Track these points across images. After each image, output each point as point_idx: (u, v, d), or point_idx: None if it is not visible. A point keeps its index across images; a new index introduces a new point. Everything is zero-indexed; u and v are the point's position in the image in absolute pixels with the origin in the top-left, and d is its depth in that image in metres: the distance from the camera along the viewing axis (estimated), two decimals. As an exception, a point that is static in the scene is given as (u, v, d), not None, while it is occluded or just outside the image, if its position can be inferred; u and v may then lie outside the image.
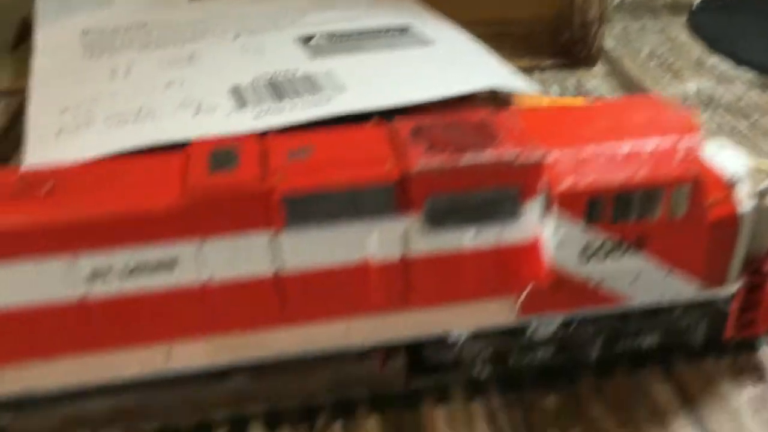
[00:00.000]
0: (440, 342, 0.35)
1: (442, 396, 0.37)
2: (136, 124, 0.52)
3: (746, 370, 0.38)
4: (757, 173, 0.43)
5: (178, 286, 0.31)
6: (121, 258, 0.30)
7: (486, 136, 0.32)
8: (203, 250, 0.31)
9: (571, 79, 0.68)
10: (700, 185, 0.32)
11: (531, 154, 0.31)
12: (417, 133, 0.32)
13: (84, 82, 0.59)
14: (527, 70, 0.65)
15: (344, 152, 0.31)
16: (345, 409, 0.36)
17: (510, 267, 0.34)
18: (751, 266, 0.35)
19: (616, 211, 0.32)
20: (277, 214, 0.30)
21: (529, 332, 0.35)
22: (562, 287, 0.33)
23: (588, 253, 0.32)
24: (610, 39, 0.74)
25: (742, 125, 0.60)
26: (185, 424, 0.35)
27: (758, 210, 0.34)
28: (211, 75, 0.59)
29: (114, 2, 0.78)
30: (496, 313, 0.34)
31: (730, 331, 0.37)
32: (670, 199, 0.32)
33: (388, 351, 0.35)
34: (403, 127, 0.33)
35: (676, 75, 0.68)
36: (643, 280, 0.34)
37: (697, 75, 0.68)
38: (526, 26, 0.75)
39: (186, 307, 0.32)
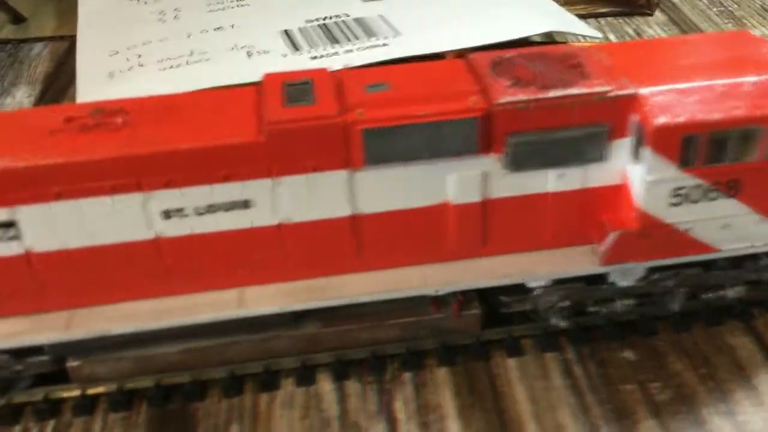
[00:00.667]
0: (516, 291, 0.33)
1: (513, 347, 0.36)
2: (189, 66, 0.50)
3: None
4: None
5: (253, 227, 0.30)
6: (195, 196, 0.29)
7: (572, 71, 0.30)
8: (279, 189, 0.29)
9: (629, 27, 0.65)
10: (802, 125, 0.30)
11: (622, 89, 0.29)
12: (498, 66, 0.30)
13: (132, 25, 0.58)
14: (583, 18, 0.63)
15: (423, 87, 0.30)
16: (414, 360, 0.35)
17: (594, 212, 0.32)
18: None
19: (710, 152, 0.30)
20: (357, 150, 0.29)
21: (609, 282, 0.33)
22: (649, 234, 0.31)
23: (679, 198, 0.31)
24: (667, -14, 0.71)
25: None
26: (253, 371, 0.34)
27: None
28: (260, 19, 0.57)
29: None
30: (576, 261, 0.33)
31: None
32: (769, 140, 0.30)
33: (463, 299, 0.33)
34: (483, 60, 0.31)
35: (739, 22, 0.65)
36: (734, 227, 0.32)
37: (764, 22, 0.65)
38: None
39: (260, 250, 0.31)
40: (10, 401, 0.33)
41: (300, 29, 0.55)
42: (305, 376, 0.35)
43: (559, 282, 0.33)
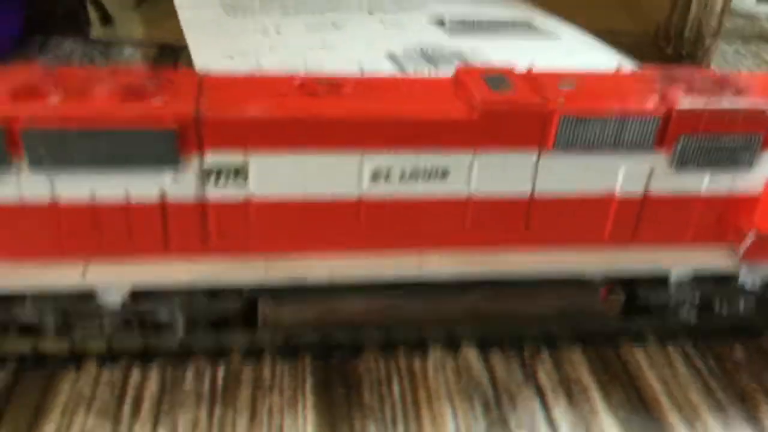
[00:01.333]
0: (656, 283, 0.37)
1: (640, 337, 0.39)
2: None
3: None
4: None
5: (447, 196, 0.34)
6: (402, 161, 0.33)
7: (732, 88, 0.35)
8: (476, 163, 0.33)
9: (681, 87, 0.71)
10: None
11: (780, 105, 0.34)
12: (667, 77, 0.35)
13: (238, 35, 0.62)
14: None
15: (607, 88, 0.34)
16: (550, 341, 0.39)
17: (733, 215, 0.36)
18: None
19: None
20: (550, 135, 0.33)
21: (740, 281, 0.37)
22: (784, 237, 0.36)
23: (813, 206, 0.35)
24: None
25: None
26: (415, 336, 0.37)
27: None
28: (361, 41, 0.62)
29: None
30: (715, 258, 0.37)
31: None
32: None
33: (611, 285, 0.37)
34: (652, 71, 0.35)
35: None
36: None
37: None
38: (632, 37, 0.79)
39: (445, 218, 0.34)
40: (180, 343, 0.35)
41: (401, 53, 0.59)
42: (453, 345, 0.38)
43: (696, 278, 0.37)
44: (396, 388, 0.36)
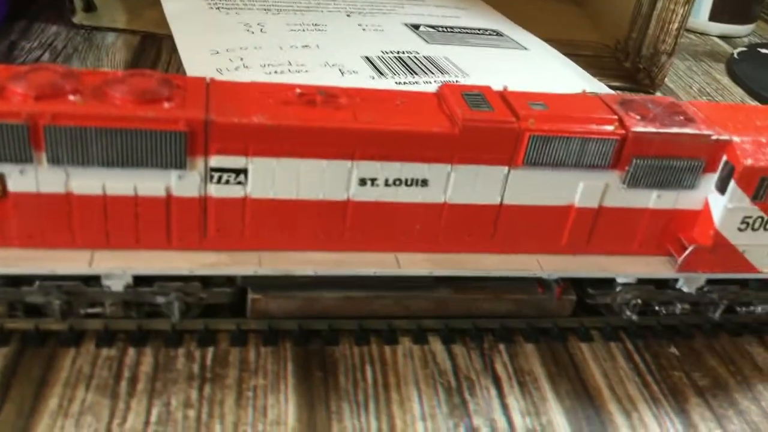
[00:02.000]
0: (602, 285, 0.42)
1: (585, 335, 0.44)
2: (292, 75, 0.57)
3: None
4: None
5: (423, 203, 0.37)
6: (388, 169, 0.36)
7: (679, 116, 0.39)
8: (453, 174, 0.37)
9: (636, 101, 0.76)
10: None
11: (721, 134, 0.38)
12: (625, 104, 0.39)
13: (223, 31, 0.65)
14: (601, 87, 0.73)
15: (573, 110, 0.38)
16: (506, 335, 0.43)
17: (675, 229, 0.41)
18: None
19: (774, 192, 0.39)
20: (521, 151, 0.37)
21: (677, 287, 0.42)
22: (717, 251, 0.40)
23: (745, 225, 0.40)
24: (662, 72, 0.83)
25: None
26: (378, 327, 0.41)
27: None
28: (339, 44, 0.65)
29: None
30: (657, 266, 0.41)
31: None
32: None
33: (564, 286, 0.41)
34: (612, 99, 0.40)
35: (725, 111, 0.77)
36: (775, 255, 0.42)
37: (744, 114, 0.77)
38: (593, 49, 0.83)
39: (422, 222, 0.38)
40: (174, 327, 0.38)
41: (379, 58, 0.63)
42: (420, 336, 0.41)
43: (640, 282, 0.41)
44: (369, 374, 0.39)
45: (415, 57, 0.64)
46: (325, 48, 0.63)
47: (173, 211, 0.35)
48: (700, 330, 0.45)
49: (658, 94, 0.78)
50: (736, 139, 0.39)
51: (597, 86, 0.66)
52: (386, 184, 0.37)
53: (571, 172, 0.38)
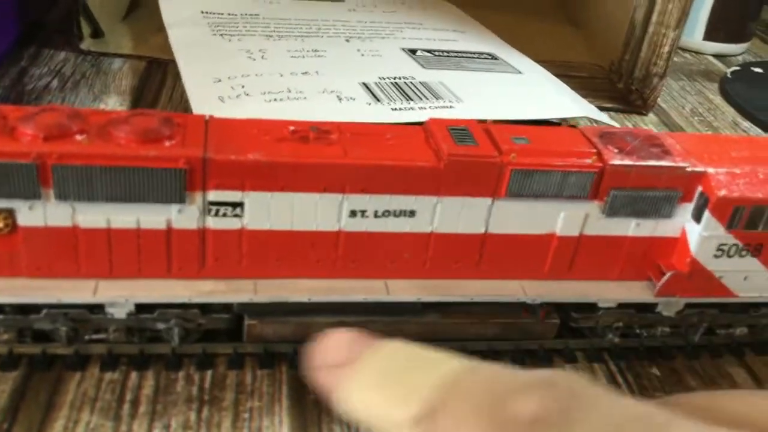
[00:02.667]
0: (585, 309, 0.43)
1: (570, 356, 0.45)
2: (291, 102, 0.59)
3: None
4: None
5: (411, 232, 0.39)
6: (377, 201, 0.38)
7: (657, 148, 0.41)
8: (439, 205, 0.39)
9: (628, 122, 0.78)
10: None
11: (696, 166, 0.40)
12: (604, 137, 0.41)
13: (226, 58, 0.67)
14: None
15: (554, 144, 0.40)
16: (493, 357, 0.44)
17: (653, 256, 0.43)
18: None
19: (749, 221, 0.41)
20: (503, 184, 0.39)
21: (656, 311, 0.44)
22: (694, 277, 0.42)
23: (720, 252, 0.42)
24: (655, 93, 0.85)
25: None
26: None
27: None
28: (338, 70, 0.67)
29: (221, -10, 0.85)
30: (637, 291, 0.43)
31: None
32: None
33: (548, 310, 0.43)
34: (592, 132, 0.41)
35: (716, 132, 0.79)
36: (751, 280, 0.43)
37: (735, 134, 0.79)
38: (587, 71, 0.85)
39: (410, 251, 0.40)
40: (174, 351, 0.40)
41: (376, 84, 0.65)
42: (411, 359, 0.43)
43: (621, 306, 0.43)
44: (361, 395, 0.41)
45: (411, 82, 0.66)
46: (324, 75, 0.65)
47: (173, 243, 0.37)
48: (681, 351, 0.47)
49: (651, 115, 0.80)
50: (710, 170, 0.40)
51: (589, 110, 0.68)
52: (375, 215, 0.39)
53: (552, 203, 0.40)
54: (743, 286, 0.43)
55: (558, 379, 0.22)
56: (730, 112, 0.85)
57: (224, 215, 0.37)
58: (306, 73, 0.65)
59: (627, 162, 0.39)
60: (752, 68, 0.95)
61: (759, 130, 0.81)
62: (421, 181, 0.38)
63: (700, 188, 0.41)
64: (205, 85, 0.61)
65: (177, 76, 0.67)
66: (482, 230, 0.40)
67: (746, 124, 0.82)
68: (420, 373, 0.24)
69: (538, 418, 0.20)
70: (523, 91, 0.69)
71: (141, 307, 0.38)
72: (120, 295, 0.37)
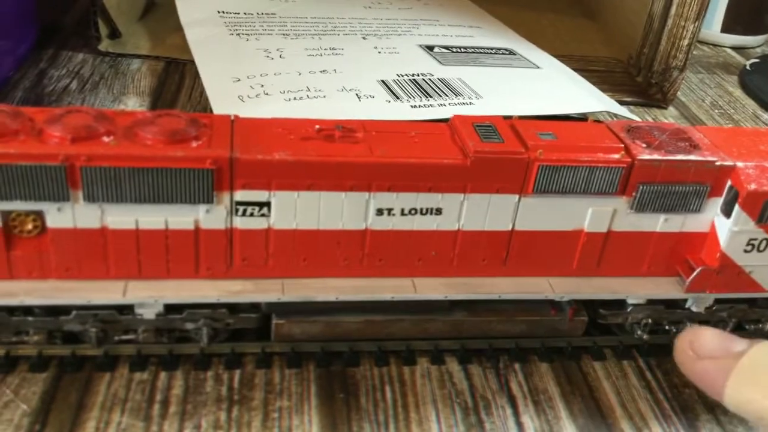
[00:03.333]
0: (614, 306, 0.43)
1: (598, 353, 0.45)
2: (310, 101, 0.59)
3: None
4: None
5: (438, 230, 0.39)
6: (404, 199, 0.38)
7: (685, 142, 0.40)
8: (466, 202, 0.39)
9: (648, 116, 0.77)
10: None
11: (725, 160, 0.40)
12: (632, 132, 0.41)
13: (244, 57, 0.67)
14: (614, 103, 0.74)
15: (581, 140, 0.39)
16: (521, 355, 0.44)
17: (682, 251, 0.42)
18: None
19: (779, 215, 0.40)
20: (530, 180, 0.38)
21: (686, 307, 0.43)
22: (724, 272, 0.42)
23: (750, 246, 0.41)
24: (675, 86, 0.84)
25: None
26: (397, 349, 0.42)
27: None
28: (356, 68, 0.67)
29: (237, -10, 0.85)
30: (666, 287, 0.43)
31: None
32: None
33: (576, 308, 0.43)
34: (619, 126, 0.41)
35: (737, 125, 0.78)
36: (781, 274, 0.43)
37: (756, 125, 0.78)
38: (605, 65, 0.85)
39: (437, 248, 0.40)
40: (203, 351, 0.40)
41: (395, 81, 0.64)
42: (437, 357, 0.43)
43: (650, 302, 0.43)
44: (389, 394, 0.41)
45: (430, 79, 0.66)
46: (342, 72, 0.65)
47: (201, 243, 0.37)
48: (710, 346, 0.47)
49: (671, 108, 0.79)
50: (740, 164, 0.40)
51: (609, 104, 0.67)
52: (402, 213, 0.38)
53: (579, 199, 0.40)
54: (773, 280, 0.43)
55: None
56: (750, 104, 0.84)
57: (251, 215, 0.37)
58: (324, 71, 0.65)
59: (656, 156, 0.39)
60: (772, 60, 0.94)
61: (781, 123, 0.80)
62: (448, 179, 0.38)
63: (729, 182, 0.40)
64: (225, 84, 0.61)
65: (195, 76, 0.67)
66: (509, 227, 0.40)
67: (767, 116, 0.81)
68: None
69: None
70: (542, 86, 0.69)
71: (170, 308, 0.38)
72: (149, 296, 0.37)
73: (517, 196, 0.39)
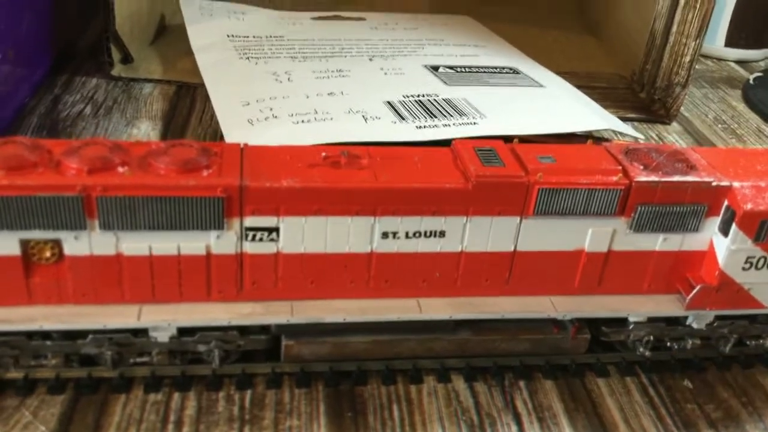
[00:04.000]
0: (616, 324, 0.44)
1: (602, 370, 0.46)
2: (318, 123, 0.61)
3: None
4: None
5: (441, 252, 0.40)
6: (408, 223, 0.39)
7: (682, 164, 0.41)
8: (468, 225, 0.40)
9: (652, 131, 0.78)
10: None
11: (722, 180, 0.41)
12: (629, 153, 0.42)
13: (253, 81, 0.68)
14: (618, 120, 0.75)
15: (579, 162, 0.41)
16: (526, 372, 0.45)
17: (681, 270, 0.43)
18: None
19: (776, 233, 0.41)
20: (531, 203, 0.39)
21: (686, 324, 0.44)
22: (723, 289, 0.43)
23: (748, 264, 0.42)
24: (678, 102, 0.85)
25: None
26: (404, 368, 0.43)
27: None
28: (363, 89, 0.68)
29: (246, 13, 0.87)
30: (666, 305, 0.43)
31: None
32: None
33: (579, 326, 0.44)
34: (617, 148, 0.42)
35: (740, 139, 0.79)
36: (780, 291, 0.44)
37: (759, 141, 0.79)
38: (608, 81, 0.86)
39: (441, 270, 0.41)
40: (215, 372, 0.42)
41: (400, 102, 0.66)
42: (444, 375, 0.44)
43: (651, 320, 0.44)
44: (396, 412, 0.42)
45: (435, 100, 0.67)
46: (349, 94, 0.67)
47: (213, 268, 0.38)
48: (712, 363, 0.48)
49: (674, 124, 0.80)
50: (736, 184, 0.41)
51: (612, 122, 0.68)
52: (407, 236, 0.40)
53: (579, 220, 0.41)
54: (772, 297, 0.44)
55: None
56: (753, 119, 0.85)
57: (260, 240, 0.38)
58: (332, 93, 0.67)
59: (653, 178, 0.40)
60: (775, 74, 0.95)
61: (784, 137, 0.81)
62: (451, 202, 0.39)
63: (726, 202, 0.41)
64: (234, 108, 0.63)
65: (206, 99, 0.69)
66: (511, 248, 0.41)
67: (770, 130, 0.82)
68: None
69: None
70: (546, 105, 0.70)
71: (183, 330, 0.39)
72: (163, 320, 0.38)
73: (518, 218, 0.40)
